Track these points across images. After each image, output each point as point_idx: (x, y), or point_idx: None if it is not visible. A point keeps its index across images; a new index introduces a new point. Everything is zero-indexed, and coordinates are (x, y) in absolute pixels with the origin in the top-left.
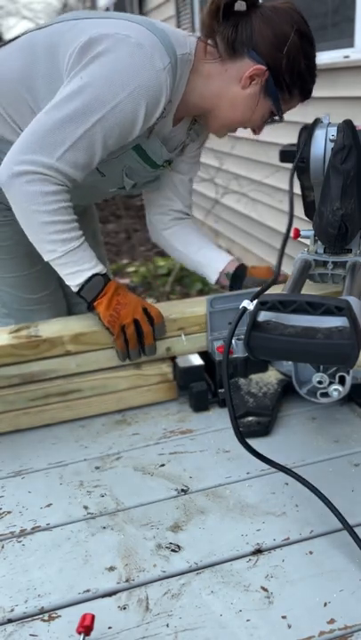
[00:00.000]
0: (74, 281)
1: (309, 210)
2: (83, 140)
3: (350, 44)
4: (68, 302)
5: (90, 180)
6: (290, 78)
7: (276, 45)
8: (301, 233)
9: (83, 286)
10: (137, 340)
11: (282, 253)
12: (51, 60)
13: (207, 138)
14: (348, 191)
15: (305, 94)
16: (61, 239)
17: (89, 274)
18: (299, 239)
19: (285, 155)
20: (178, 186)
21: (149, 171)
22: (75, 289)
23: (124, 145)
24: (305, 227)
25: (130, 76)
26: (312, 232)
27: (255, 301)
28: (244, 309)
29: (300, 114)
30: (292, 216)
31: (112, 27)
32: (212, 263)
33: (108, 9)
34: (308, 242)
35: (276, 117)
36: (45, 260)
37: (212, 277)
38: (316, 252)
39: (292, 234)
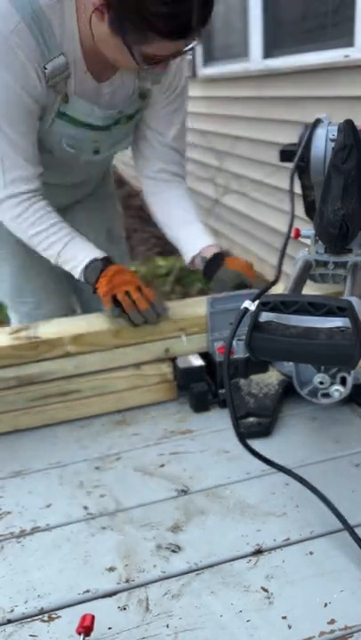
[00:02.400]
0: (76, 275)
1: (310, 210)
2: None
3: (350, 44)
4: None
5: (48, 161)
6: (128, 14)
7: None
8: (302, 233)
9: (84, 275)
10: (132, 304)
11: (283, 253)
12: None
13: (179, 78)
14: (349, 191)
15: (160, 34)
16: (49, 243)
17: (84, 263)
18: (299, 239)
19: (285, 154)
20: (156, 146)
21: (97, 135)
22: (81, 279)
23: (40, 116)
24: (306, 227)
25: None
26: (313, 232)
27: (257, 302)
28: (246, 310)
29: (300, 114)
30: (292, 216)
31: None
32: (190, 243)
33: None
34: (308, 242)
35: (181, 53)
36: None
37: (187, 258)
38: (316, 252)
39: (292, 234)
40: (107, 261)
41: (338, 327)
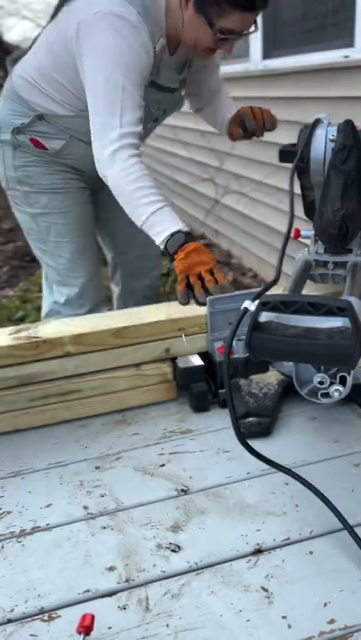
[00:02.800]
0: (158, 239)
1: (310, 210)
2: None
3: (350, 44)
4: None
5: None
6: None
7: None
8: (302, 233)
9: (167, 242)
10: (201, 286)
11: (283, 254)
12: (62, 44)
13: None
14: (348, 191)
15: (237, 6)
16: (147, 202)
17: (170, 231)
18: (299, 239)
19: (285, 154)
20: (201, 83)
21: (170, 96)
22: (161, 246)
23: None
24: (305, 227)
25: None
26: (312, 232)
27: (256, 302)
28: (246, 310)
29: (300, 114)
30: (292, 216)
31: (95, 5)
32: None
33: None
34: (308, 242)
35: (248, 32)
36: (138, 226)
37: (227, 130)
38: (316, 253)
39: (292, 234)
40: (188, 236)
41: (338, 327)
